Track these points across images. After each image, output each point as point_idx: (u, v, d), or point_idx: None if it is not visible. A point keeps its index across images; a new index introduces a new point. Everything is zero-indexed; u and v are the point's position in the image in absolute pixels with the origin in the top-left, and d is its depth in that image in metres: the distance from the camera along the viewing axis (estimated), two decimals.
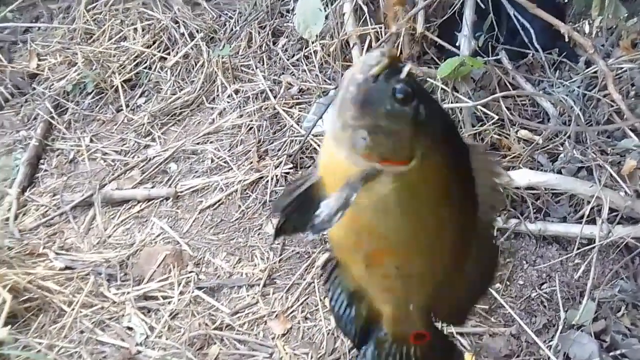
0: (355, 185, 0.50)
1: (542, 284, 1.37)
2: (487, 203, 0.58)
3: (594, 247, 1.32)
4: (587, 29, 1.87)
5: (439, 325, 0.69)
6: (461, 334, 1.28)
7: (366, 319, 0.65)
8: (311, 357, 1.26)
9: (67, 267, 1.55)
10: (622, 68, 1.69)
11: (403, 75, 0.50)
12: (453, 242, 0.58)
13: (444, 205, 0.55)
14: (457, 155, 0.54)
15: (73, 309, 1.43)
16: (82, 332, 1.39)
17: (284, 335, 1.33)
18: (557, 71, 1.79)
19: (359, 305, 0.65)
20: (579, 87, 1.68)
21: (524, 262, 1.42)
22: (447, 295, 0.63)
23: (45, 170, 1.94)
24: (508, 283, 1.38)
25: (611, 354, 1.20)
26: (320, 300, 1.38)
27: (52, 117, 2.09)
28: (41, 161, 1.97)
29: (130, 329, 1.39)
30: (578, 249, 1.36)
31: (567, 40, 1.73)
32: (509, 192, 1.49)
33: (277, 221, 0.56)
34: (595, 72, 1.69)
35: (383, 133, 0.50)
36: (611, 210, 1.36)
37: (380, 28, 1.74)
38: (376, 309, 0.64)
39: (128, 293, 1.46)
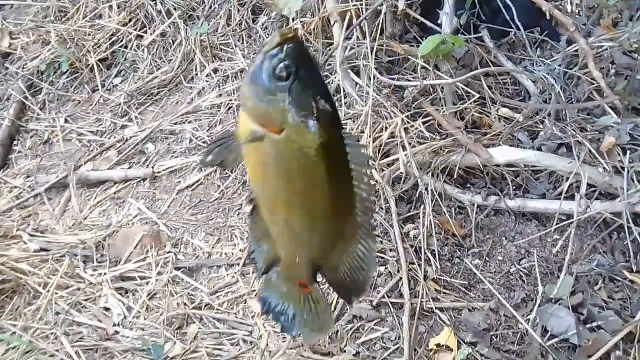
0: (243, 141, 0.63)
1: (521, 259, 1.38)
2: (364, 188, 0.68)
3: (572, 223, 1.33)
4: (569, 8, 1.86)
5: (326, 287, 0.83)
6: (440, 309, 1.28)
7: (271, 257, 0.79)
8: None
9: (42, 249, 1.52)
10: (603, 47, 1.69)
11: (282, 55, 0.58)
12: (329, 211, 0.68)
13: (315, 176, 0.65)
14: (332, 136, 0.63)
15: (48, 291, 1.40)
16: (58, 313, 1.36)
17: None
18: (539, 50, 1.79)
19: (267, 244, 0.78)
20: (560, 65, 1.68)
21: (504, 238, 1.43)
22: (332, 260, 0.75)
23: (19, 152, 1.89)
24: (487, 259, 1.38)
25: (588, 326, 1.22)
26: None
27: (26, 98, 2.03)
28: (15, 142, 1.92)
29: (107, 309, 1.36)
30: (557, 224, 1.37)
31: (549, 19, 1.74)
32: (489, 170, 1.49)
33: (203, 156, 0.70)
34: (577, 50, 1.69)
35: (263, 103, 0.60)
36: (590, 186, 1.37)
37: (361, 5, 1.71)
38: (277, 251, 0.78)
39: (105, 274, 1.43)
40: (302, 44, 0.60)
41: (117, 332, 1.32)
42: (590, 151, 1.42)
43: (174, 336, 1.29)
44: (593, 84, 1.59)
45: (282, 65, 0.57)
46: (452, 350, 1.20)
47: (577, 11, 1.88)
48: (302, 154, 0.62)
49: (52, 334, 1.32)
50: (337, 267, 0.76)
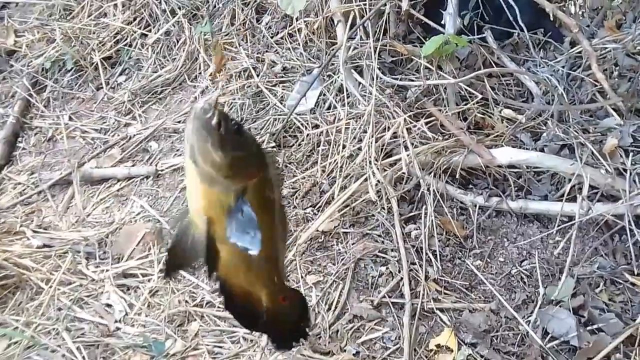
0: (244, 202, 0.67)
1: (523, 261, 1.38)
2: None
3: (573, 224, 1.33)
4: (572, 9, 1.86)
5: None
6: (441, 310, 1.28)
7: (256, 309, 0.81)
8: None
9: (44, 245, 1.53)
10: (606, 48, 1.69)
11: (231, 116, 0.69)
12: (279, 222, 0.76)
13: (277, 197, 0.74)
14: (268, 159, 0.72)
15: (51, 287, 1.41)
16: (59, 309, 1.37)
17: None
18: (542, 51, 1.79)
19: (251, 304, 0.81)
20: (563, 66, 1.68)
21: (505, 239, 1.42)
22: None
23: (24, 149, 1.90)
24: (488, 260, 1.38)
25: (588, 328, 1.22)
26: (302, 277, 1.38)
27: (30, 95, 2.04)
28: (19, 139, 1.93)
29: (109, 306, 1.37)
30: (558, 226, 1.36)
31: (552, 20, 1.74)
32: (491, 171, 1.49)
33: (164, 264, 0.75)
34: (580, 52, 1.69)
35: (243, 159, 0.66)
36: (592, 187, 1.36)
37: (365, 5, 1.72)
38: (257, 297, 0.80)
39: (107, 271, 1.44)
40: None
41: (118, 329, 1.33)
42: (592, 153, 1.42)
43: (175, 333, 1.30)
44: (596, 85, 1.58)
45: (233, 122, 0.65)
46: (452, 350, 1.20)
47: (580, 12, 1.88)
48: (278, 179, 0.73)
49: (53, 329, 1.33)
50: None
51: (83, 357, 1.26)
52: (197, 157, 0.64)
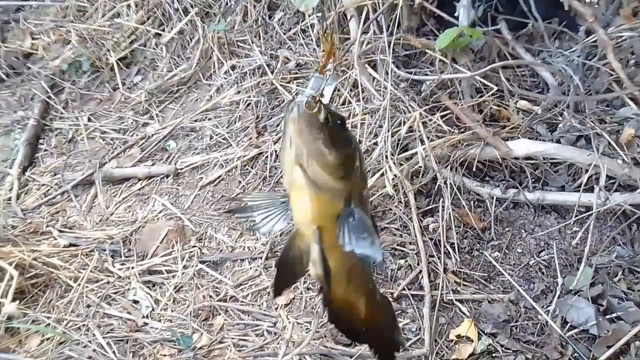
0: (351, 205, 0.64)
1: (541, 251, 1.39)
2: None
3: (591, 215, 1.34)
4: None
5: None
6: (460, 301, 1.30)
7: (357, 319, 0.81)
8: (313, 325, 1.29)
9: (71, 244, 1.57)
10: (622, 37, 1.67)
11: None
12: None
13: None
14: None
15: (79, 284, 1.45)
16: (88, 306, 1.41)
17: (286, 305, 1.35)
18: (557, 41, 1.78)
19: (353, 315, 0.80)
20: (578, 56, 1.66)
21: (523, 230, 1.44)
22: None
23: (45, 150, 1.95)
24: (507, 251, 1.40)
25: (607, 317, 1.23)
26: None
27: (49, 97, 2.09)
28: (40, 141, 1.98)
29: (136, 302, 1.41)
30: (576, 216, 1.37)
31: (567, 9, 1.73)
32: (508, 162, 1.50)
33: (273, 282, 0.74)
34: (595, 41, 1.67)
35: (351, 157, 0.64)
36: (609, 177, 1.37)
37: None
38: (357, 306, 0.78)
39: (132, 268, 1.48)
40: None
41: (145, 324, 1.37)
42: (609, 143, 1.42)
43: (201, 327, 1.33)
44: (612, 74, 1.57)
45: (337, 116, 0.67)
46: (472, 340, 1.23)
47: (595, 0, 1.86)
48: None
49: (83, 325, 1.38)
50: None
51: (113, 352, 1.30)
52: (309, 162, 0.56)
